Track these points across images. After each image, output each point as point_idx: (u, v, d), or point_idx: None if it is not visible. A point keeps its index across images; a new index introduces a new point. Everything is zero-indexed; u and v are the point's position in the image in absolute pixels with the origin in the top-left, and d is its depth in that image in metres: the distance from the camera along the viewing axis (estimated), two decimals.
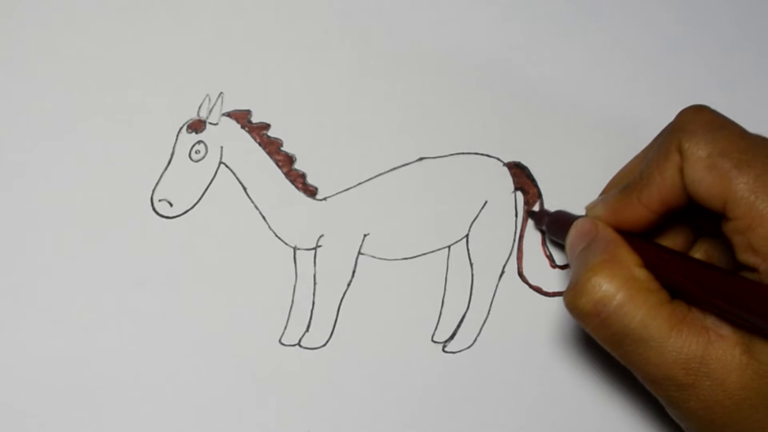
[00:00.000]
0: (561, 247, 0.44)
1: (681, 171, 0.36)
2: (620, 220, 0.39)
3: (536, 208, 0.46)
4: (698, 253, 0.40)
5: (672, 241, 0.40)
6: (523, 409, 0.45)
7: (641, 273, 0.36)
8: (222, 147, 0.44)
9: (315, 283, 0.44)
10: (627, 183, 0.39)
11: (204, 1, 0.45)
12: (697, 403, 0.35)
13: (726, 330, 0.35)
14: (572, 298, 0.37)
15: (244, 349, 0.43)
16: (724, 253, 0.39)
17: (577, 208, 0.45)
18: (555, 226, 0.44)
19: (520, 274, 0.46)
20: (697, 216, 0.38)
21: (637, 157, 0.42)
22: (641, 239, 0.38)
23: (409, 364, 0.44)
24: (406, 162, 0.46)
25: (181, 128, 0.44)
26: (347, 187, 0.45)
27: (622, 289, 0.36)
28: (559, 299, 0.46)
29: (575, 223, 0.41)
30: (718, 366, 0.34)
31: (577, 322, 0.38)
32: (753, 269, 0.35)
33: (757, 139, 0.36)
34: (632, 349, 0.36)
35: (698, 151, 0.35)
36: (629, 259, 0.37)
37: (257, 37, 0.46)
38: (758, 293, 0.34)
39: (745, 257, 0.35)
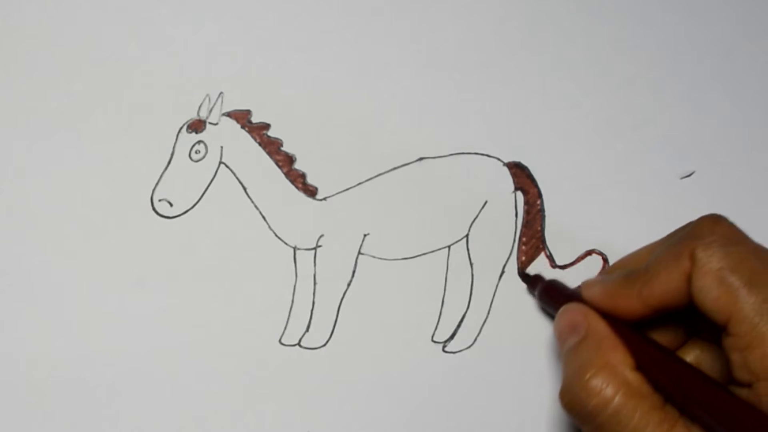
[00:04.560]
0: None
1: (688, 278, 0.36)
2: (615, 307, 0.39)
3: (531, 270, 0.46)
4: (689, 355, 0.40)
5: (664, 336, 0.40)
6: (523, 409, 0.45)
7: (634, 377, 0.37)
8: (222, 147, 0.44)
9: (315, 283, 0.44)
10: (630, 271, 0.39)
11: (204, 1, 0.45)
12: None
13: None
14: (569, 400, 0.38)
15: (244, 349, 0.43)
16: (715, 359, 0.39)
17: (577, 209, 0.46)
18: (546, 298, 0.44)
19: (521, 274, 0.46)
20: (693, 318, 0.38)
21: (645, 248, 0.42)
22: (633, 333, 0.38)
23: (409, 364, 0.44)
24: (406, 162, 0.46)
25: (181, 128, 0.44)
26: (347, 187, 0.45)
27: (617, 395, 0.36)
28: None
29: (565, 309, 0.40)
30: None
31: (572, 420, 0.38)
32: (745, 385, 0.35)
33: None
34: None
35: (710, 263, 0.35)
36: (623, 361, 0.37)
37: (257, 37, 0.46)
38: (745, 415, 0.34)
39: (740, 374, 0.35)
